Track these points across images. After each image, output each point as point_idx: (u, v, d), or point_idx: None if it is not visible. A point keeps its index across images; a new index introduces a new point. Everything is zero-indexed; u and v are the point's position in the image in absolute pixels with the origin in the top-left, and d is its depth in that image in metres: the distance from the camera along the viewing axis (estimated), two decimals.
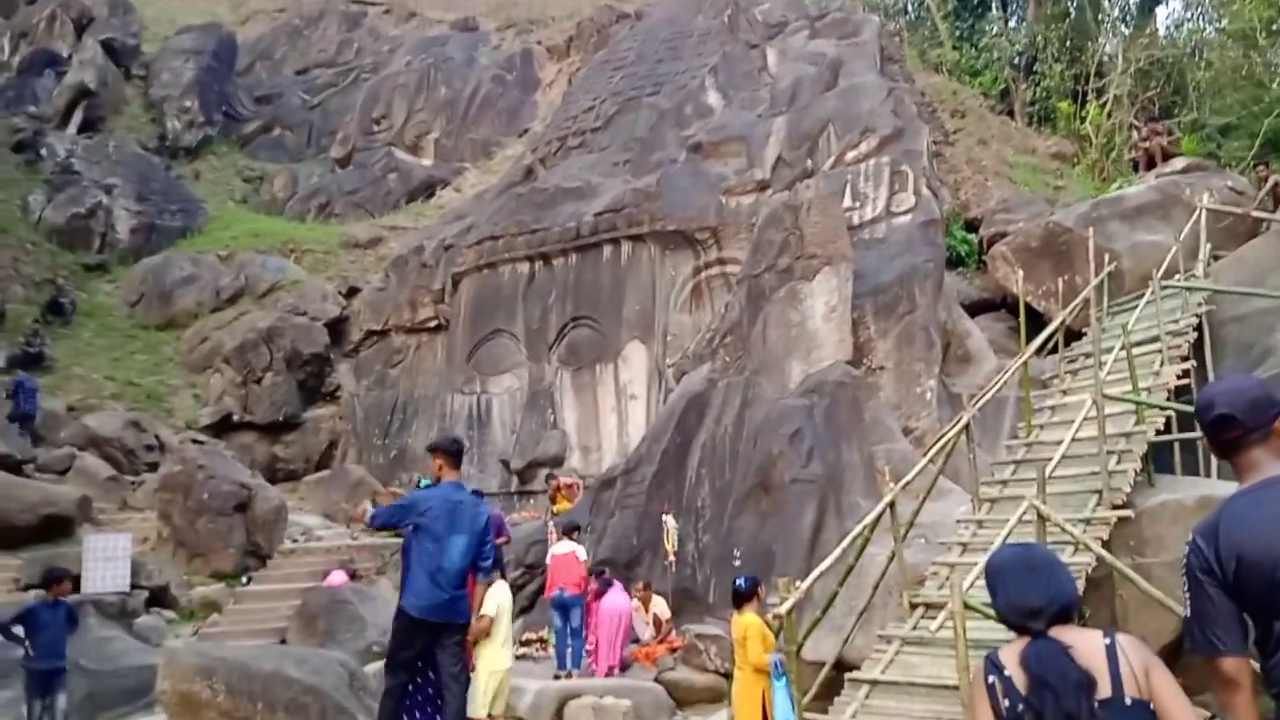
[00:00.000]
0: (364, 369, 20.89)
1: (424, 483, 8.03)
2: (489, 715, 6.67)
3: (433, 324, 20.01)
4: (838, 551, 8.60)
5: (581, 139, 20.03)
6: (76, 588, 11.71)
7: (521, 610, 12.78)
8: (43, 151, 26.45)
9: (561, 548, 10.95)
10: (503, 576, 6.76)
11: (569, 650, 10.51)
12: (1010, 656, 2.61)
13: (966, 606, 6.58)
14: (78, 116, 28.34)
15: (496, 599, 6.61)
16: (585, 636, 10.85)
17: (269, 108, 32.49)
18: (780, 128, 16.94)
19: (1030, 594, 2.64)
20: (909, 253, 14.36)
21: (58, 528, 14.21)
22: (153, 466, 17.26)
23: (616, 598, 11.02)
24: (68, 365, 20.46)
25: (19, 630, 9.05)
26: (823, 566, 8.51)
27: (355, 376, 20.93)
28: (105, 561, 12.04)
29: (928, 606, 8.93)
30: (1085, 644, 2.58)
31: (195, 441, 17.71)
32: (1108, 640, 2.59)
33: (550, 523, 13.06)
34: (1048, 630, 2.59)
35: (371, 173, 28.68)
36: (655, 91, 19.60)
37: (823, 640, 9.24)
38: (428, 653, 6.03)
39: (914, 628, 8.75)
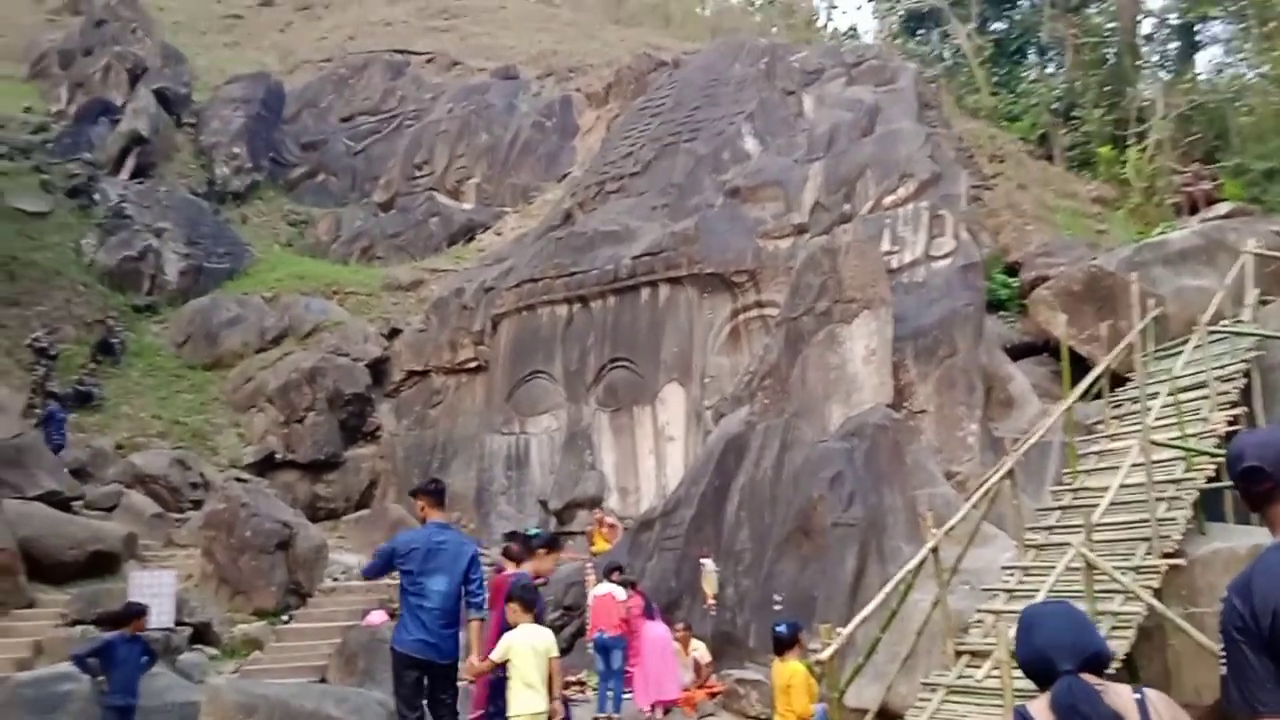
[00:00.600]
0: (404, 409, 21.09)
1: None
2: None
3: (472, 365, 20.20)
4: (880, 597, 8.55)
5: (620, 184, 20.26)
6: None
7: (561, 652, 12.76)
8: (96, 196, 27.18)
9: (601, 589, 10.92)
10: (538, 620, 6.44)
11: (609, 694, 10.45)
12: (1039, 706, 2.61)
13: (1014, 655, 6.51)
14: (130, 163, 29.10)
15: (508, 645, 6.24)
16: (625, 675, 10.81)
17: (315, 154, 33.18)
18: (818, 173, 17.06)
19: (1061, 638, 2.66)
20: (949, 296, 14.34)
21: (104, 564, 14.42)
22: (197, 504, 17.49)
23: (659, 627, 10.96)
24: (116, 404, 20.86)
25: (94, 663, 8.97)
26: (865, 612, 8.48)
27: (396, 416, 21.14)
28: (150, 598, 12.13)
29: (973, 654, 8.83)
30: (1116, 692, 2.58)
31: (239, 480, 17.92)
32: (1138, 695, 2.60)
33: (589, 564, 13.05)
34: (1078, 674, 2.58)
35: (413, 216, 29.15)
36: (693, 137, 19.81)
37: (865, 687, 9.14)
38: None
39: (959, 676, 8.65)
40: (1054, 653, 2.65)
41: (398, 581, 15.16)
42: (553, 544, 7.78)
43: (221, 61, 38.69)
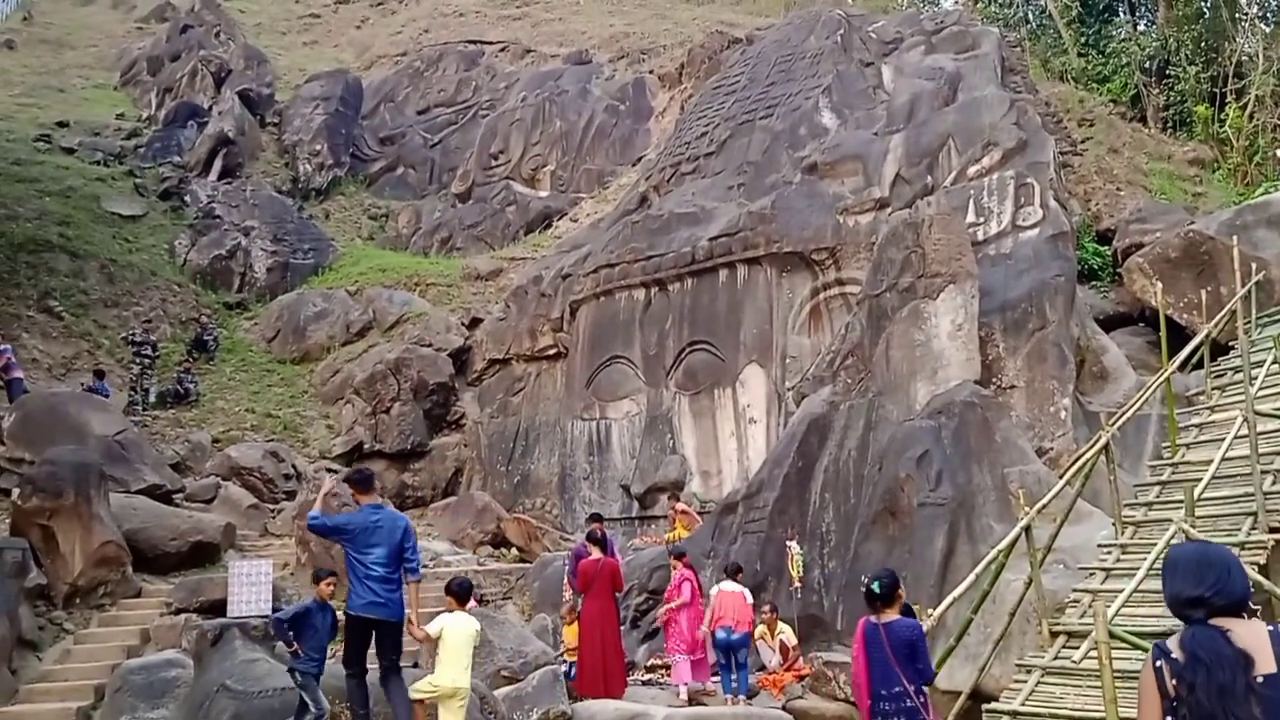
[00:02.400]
0: (487, 397, 21.34)
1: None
2: None
3: (552, 352, 20.32)
4: (971, 577, 8.35)
5: (695, 164, 20.10)
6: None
7: (646, 636, 12.78)
8: (187, 198, 28.08)
9: (729, 587, 10.87)
10: (462, 605, 7.74)
11: (734, 681, 10.43)
12: (1175, 641, 2.92)
13: (1112, 636, 6.27)
14: (218, 164, 29.99)
15: (444, 624, 7.50)
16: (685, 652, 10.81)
17: (393, 148, 33.72)
18: (898, 145, 16.66)
19: (1194, 586, 2.92)
20: (1038, 267, 13.89)
21: (205, 554, 14.92)
22: (290, 495, 17.96)
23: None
24: (212, 399, 21.54)
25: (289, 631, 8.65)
26: (956, 593, 8.29)
27: (479, 405, 21.39)
28: (249, 586, 12.53)
29: (1070, 635, 8.59)
30: (1248, 630, 2.84)
31: (329, 470, 18.35)
32: (1271, 627, 2.87)
33: (668, 549, 13.00)
34: (1208, 620, 2.87)
35: (491, 206, 29.43)
36: (768, 114, 19.53)
37: (957, 669, 8.97)
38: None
39: (1055, 657, 8.41)
40: (1184, 600, 2.94)
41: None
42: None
43: (301, 60, 39.57)
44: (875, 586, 6.21)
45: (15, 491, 13.40)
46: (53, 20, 44.90)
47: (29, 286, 21.84)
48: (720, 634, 10.50)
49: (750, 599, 10.97)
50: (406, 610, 7.50)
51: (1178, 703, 2.79)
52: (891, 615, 6.19)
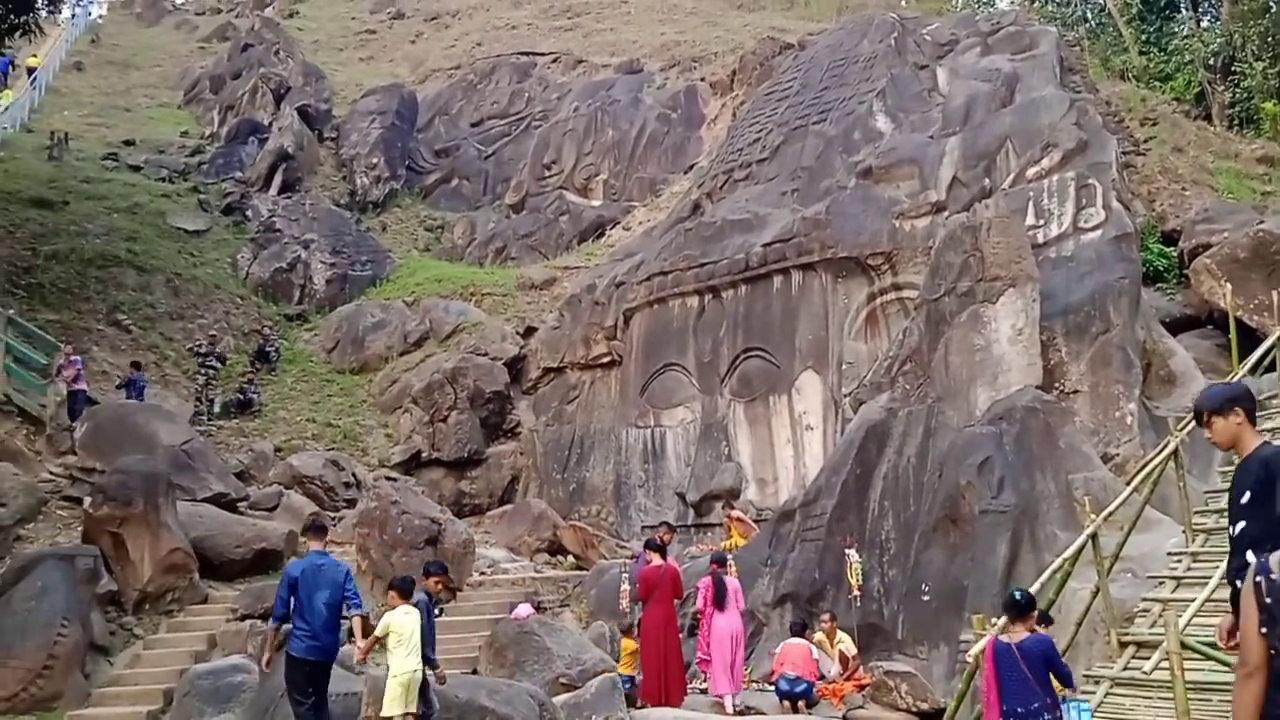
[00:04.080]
0: (542, 406, 21.46)
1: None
2: (403, 715, 8.04)
3: (606, 360, 20.38)
4: (1036, 586, 8.19)
5: (747, 171, 20.05)
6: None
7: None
8: (249, 213, 28.69)
9: (795, 641, 10.82)
10: (412, 602, 8.33)
11: None
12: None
13: (1184, 646, 6.11)
14: (278, 179, 30.59)
15: (388, 622, 8.14)
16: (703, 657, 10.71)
17: (447, 160, 34.11)
18: (954, 148, 16.46)
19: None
20: (1101, 270, 13.62)
21: (269, 561, 15.17)
22: (351, 503, 18.20)
23: (731, 619, 10.75)
24: (274, 409, 21.94)
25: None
26: None
27: (534, 413, 21.52)
28: None
29: (1139, 645, 8.38)
30: None
31: (388, 478, 18.57)
32: None
33: (729, 557, 12.93)
34: None
35: (544, 216, 29.62)
36: (821, 119, 19.42)
37: None
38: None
39: (1125, 668, 8.23)
40: None
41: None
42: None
43: (358, 76, 40.22)
44: (1018, 595, 6.44)
45: (87, 500, 13.75)
46: (119, 42, 46.22)
47: (98, 300, 22.45)
48: (782, 684, 10.43)
49: (816, 654, 10.89)
50: (344, 645, 8.40)
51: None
52: (1021, 633, 6.35)
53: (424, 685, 8.36)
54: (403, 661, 8.12)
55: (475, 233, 30.57)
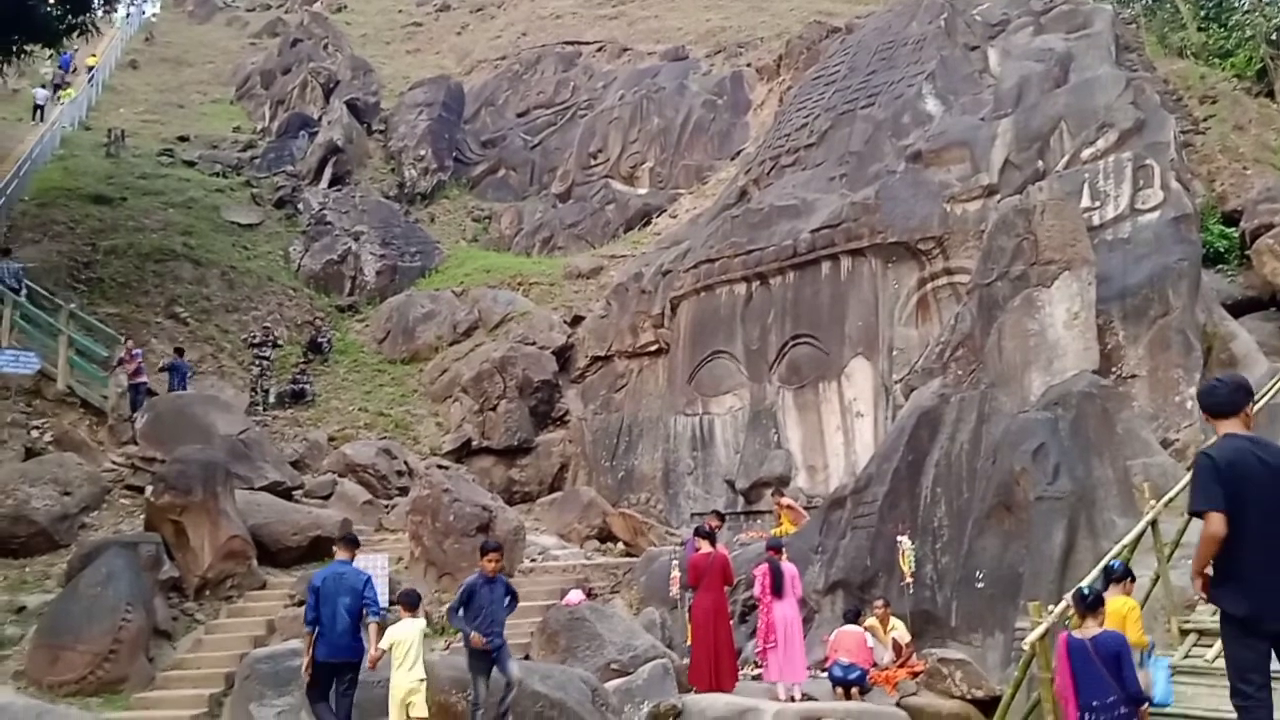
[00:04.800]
0: (590, 394, 21.54)
1: None
2: None
3: (653, 348, 20.39)
4: (1094, 573, 8.09)
5: (795, 157, 19.90)
6: None
7: (754, 632, 12.70)
8: (300, 206, 29.10)
9: (849, 627, 10.79)
10: (411, 613, 8.77)
11: None
12: None
13: None
14: (328, 172, 30.98)
15: (392, 635, 8.50)
16: (765, 646, 10.65)
17: (494, 150, 34.29)
18: (1007, 129, 16.19)
19: None
20: (1159, 252, 13.34)
21: (324, 548, 15.35)
22: (403, 491, 18.43)
23: (790, 605, 10.69)
24: (327, 399, 22.28)
25: (462, 615, 8.91)
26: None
27: (582, 401, 21.61)
28: None
29: (1201, 633, 8.24)
30: None
31: (440, 467, 18.77)
32: None
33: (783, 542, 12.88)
34: None
35: (590, 205, 29.67)
36: (870, 103, 19.20)
37: None
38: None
39: (1185, 656, 8.09)
40: None
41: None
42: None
43: (405, 68, 40.55)
44: (1086, 591, 6.61)
45: (148, 489, 14.07)
46: (172, 40, 47.06)
47: (156, 294, 22.93)
48: (835, 671, 10.38)
49: (870, 642, 10.83)
50: (367, 648, 8.64)
51: None
52: (1094, 628, 6.47)
53: (502, 663, 8.64)
54: (404, 673, 8.52)
55: (522, 222, 30.72)
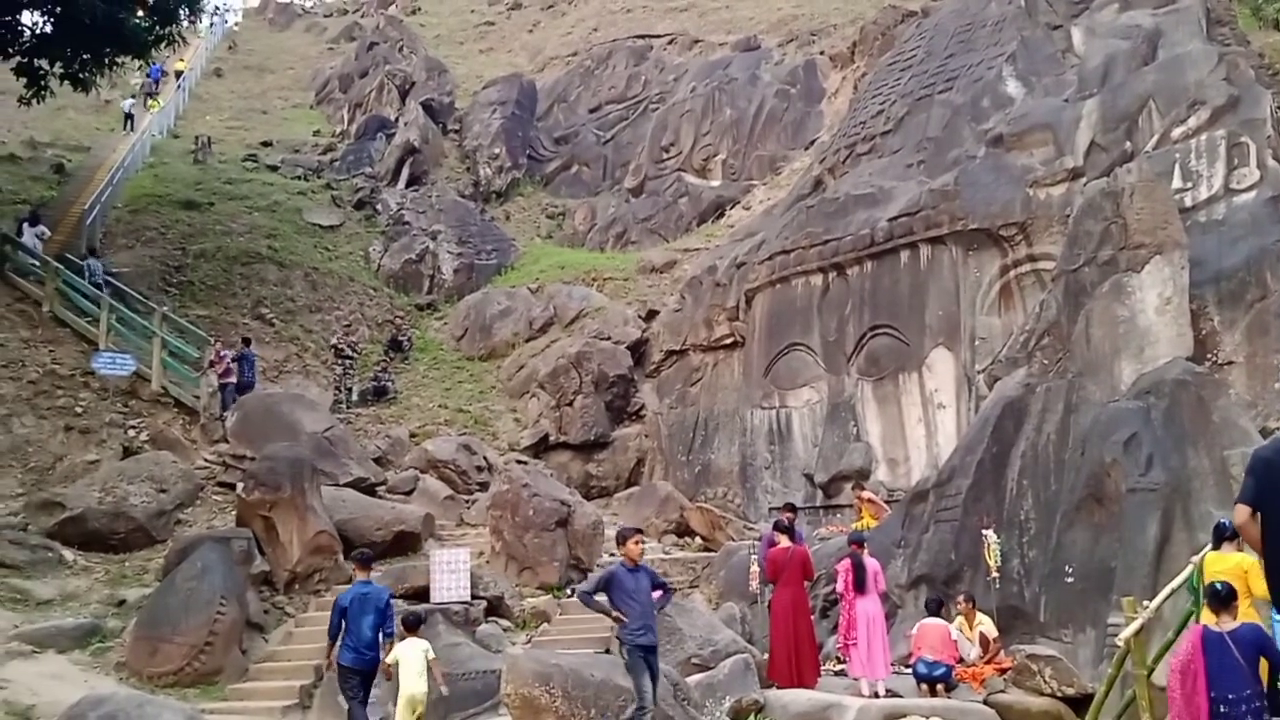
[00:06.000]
0: (665, 388, 21.53)
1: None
2: None
3: (729, 341, 20.28)
4: (1190, 567, 7.80)
5: (871, 144, 19.58)
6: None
7: (836, 627, 12.56)
8: (378, 207, 29.68)
9: (932, 621, 10.64)
10: (414, 633, 9.55)
11: None
12: None
13: None
14: (405, 172, 31.54)
15: (397, 652, 9.32)
16: (846, 642, 10.50)
17: (567, 147, 34.49)
18: (1092, 110, 15.69)
19: None
20: (1256, 233, 12.81)
21: (407, 543, 15.70)
22: (483, 486, 18.67)
23: (873, 601, 10.52)
24: (408, 396, 22.69)
25: (602, 599, 8.60)
26: (1175, 584, 7.82)
27: (658, 396, 21.62)
28: (449, 574, 13.10)
29: None
30: None
31: (519, 462, 18.98)
32: None
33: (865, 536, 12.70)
34: None
35: (663, 199, 29.65)
36: (948, 88, 18.78)
37: None
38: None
39: None
40: None
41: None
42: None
43: (478, 68, 41.03)
44: (1220, 587, 6.53)
45: (239, 486, 14.49)
46: (254, 47, 48.35)
47: (243, 296, 23.61)
48: (920, 668, 10.20)
49: (954, 635, 10.63)
50: (382, 658, 9.47)
51: None
52: (1230, 622, 6.40)
53: (650, 667, 8.37)
54: (408, 687, 9.24)
55: (596, 218, 30.85)
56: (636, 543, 8.71)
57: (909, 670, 10.65)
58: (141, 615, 12.35)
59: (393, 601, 9.84)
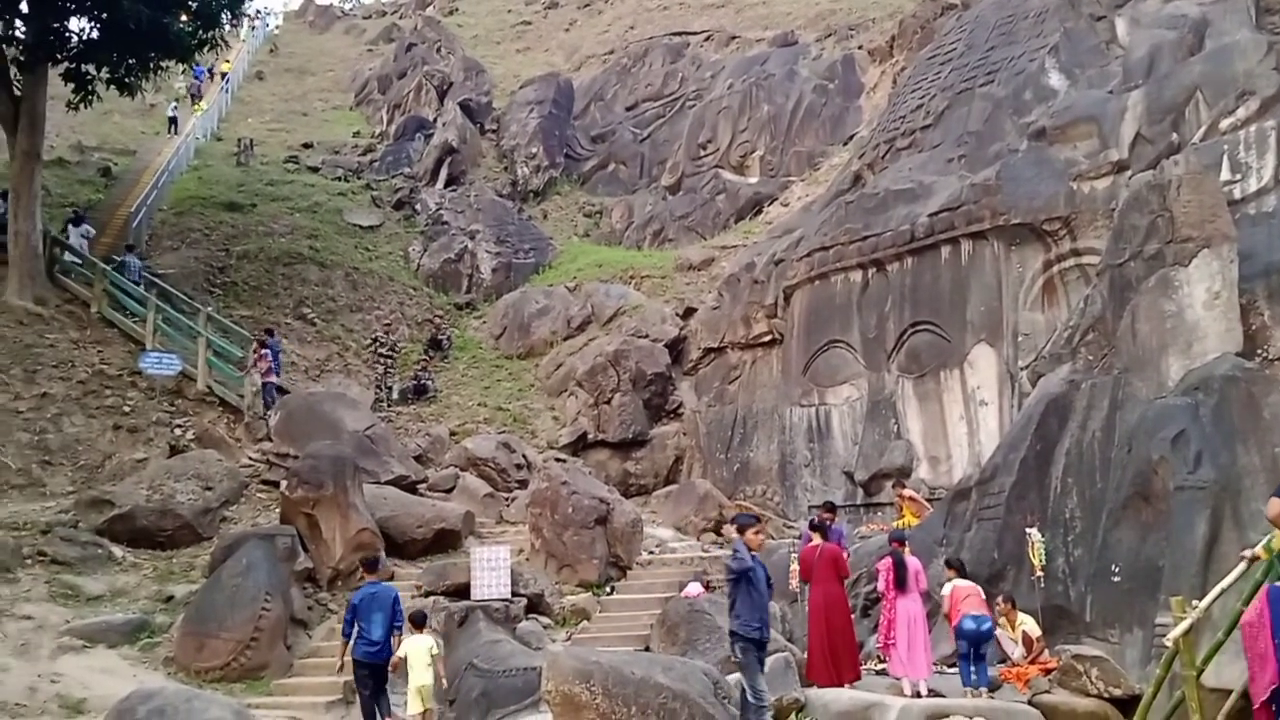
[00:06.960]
0: (703, 386, 21.49)
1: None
2: (421, 713, 10.10)
3: (767, 339, 20.20)
4: (1241, 566, 7.65)
5: (910, 139, 19.39)
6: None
7: (877, 626, 12.48)
8: (417, 207, 29.92)
9: (962, 581, 10.55)
10: (419, 630, 10.35)
11: (973, 673, 10.03)
12: None
13: None
14: (444, 172, 31.77)
15: (405, 647, 10.14)
16: (886, 641, 10.41)
17: (604, 145, 34.53)
18: (1137, 102, 15.42)
19: None
20: None
21: (448, 540, 15.83)
22: (522, 484, 18.77)
23: (914, 600, 10.41)
24: (448, 394, 22.86)
25: (732, 590, 8.23)
26: (1224, 584, 7.65)
27: (696, 394, 21.59)
28: (490, 571, 13.20)
29: None
30: None
31: (558, 460, 19.04)
32: None
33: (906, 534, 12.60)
34: None
35: (700, 196, 29.59)
36: (989, 81, 18.55)
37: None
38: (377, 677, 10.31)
39: None
40: None
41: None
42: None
43: (515, 67, 41.19)
44: None
45: (283, 483, 14.68)
46: (294, 50, 48.92)
47: (285, 296, 23.92)
48: (969, 624, 10.05)
49: (981, 595, 10.52)
50: (392, 654, 10.27)
51: None
52: None
53: (753, 656, 7.94)
54: (418, 675, 10.07)
55: (633, 216, 30.86)
56: (757, 532, 8.11)
57: (951, 670, 10.53)
58: (189, 611, 12.56)
59: (400, 600, 10.54)
